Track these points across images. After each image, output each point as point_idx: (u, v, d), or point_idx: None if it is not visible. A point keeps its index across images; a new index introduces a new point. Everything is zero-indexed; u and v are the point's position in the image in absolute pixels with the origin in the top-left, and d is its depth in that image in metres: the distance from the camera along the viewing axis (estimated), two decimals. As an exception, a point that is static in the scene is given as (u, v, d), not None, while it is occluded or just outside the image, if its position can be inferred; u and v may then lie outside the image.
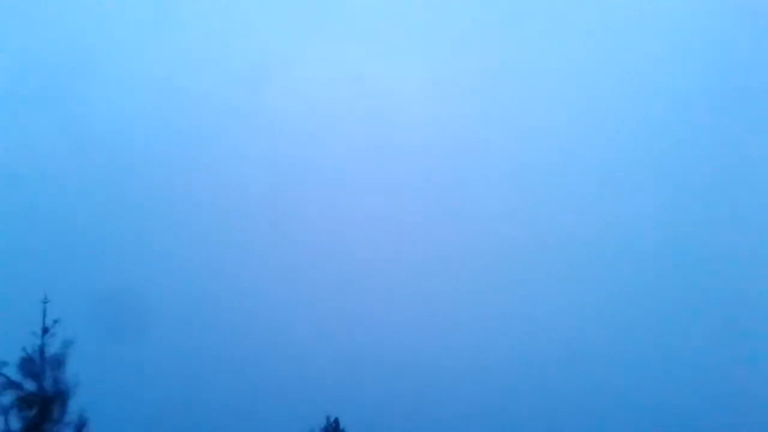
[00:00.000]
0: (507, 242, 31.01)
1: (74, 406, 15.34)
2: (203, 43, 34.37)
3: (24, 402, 15.42)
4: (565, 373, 27.13)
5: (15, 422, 15.33)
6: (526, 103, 34.21)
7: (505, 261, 30.69)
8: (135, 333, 22.56)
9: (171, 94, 32.25)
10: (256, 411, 23.76)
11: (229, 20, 35.04)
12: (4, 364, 15.15)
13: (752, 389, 25.43)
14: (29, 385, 15.38)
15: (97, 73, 32.32)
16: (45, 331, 15.28)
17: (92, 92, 31.87)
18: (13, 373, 15.26)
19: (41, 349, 15.26)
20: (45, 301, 15.36)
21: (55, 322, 15.27)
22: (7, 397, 15.24)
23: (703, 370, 26.70)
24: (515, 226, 31.50)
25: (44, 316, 15.32)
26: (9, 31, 32.14)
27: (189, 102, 32.40)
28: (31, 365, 15.30)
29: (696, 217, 30.78)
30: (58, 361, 15.27)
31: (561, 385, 26.81)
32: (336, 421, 19.82)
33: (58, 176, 29.89)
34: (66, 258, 26.58)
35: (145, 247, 28.72)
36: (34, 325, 15.21)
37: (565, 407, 25.78)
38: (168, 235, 29.37)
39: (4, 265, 23.23)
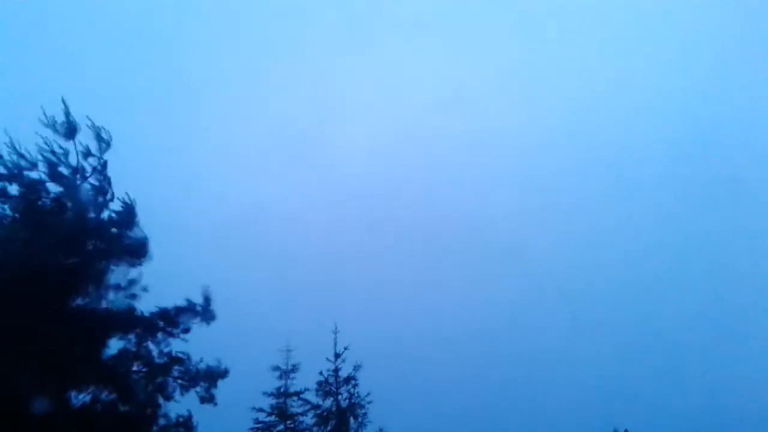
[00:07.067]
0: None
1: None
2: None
3: (322, 418, 18.61)
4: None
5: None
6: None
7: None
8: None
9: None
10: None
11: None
12: (306, 389, 18.55)
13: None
14: (326, 404, 18.63)
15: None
16: (337, 356, 18.46)
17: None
18: (312, 396, 18.62)
19: (335, 372, 18.43)
20: (335, 331, 18.54)
21: (346, 348, 18.40)
22: (309, 417, 18.55)
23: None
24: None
25: (335, 343, 18.52)
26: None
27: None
28: (327, 386, 18.54)
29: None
30: (350, 381, 18.34)
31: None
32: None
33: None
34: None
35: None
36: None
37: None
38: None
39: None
